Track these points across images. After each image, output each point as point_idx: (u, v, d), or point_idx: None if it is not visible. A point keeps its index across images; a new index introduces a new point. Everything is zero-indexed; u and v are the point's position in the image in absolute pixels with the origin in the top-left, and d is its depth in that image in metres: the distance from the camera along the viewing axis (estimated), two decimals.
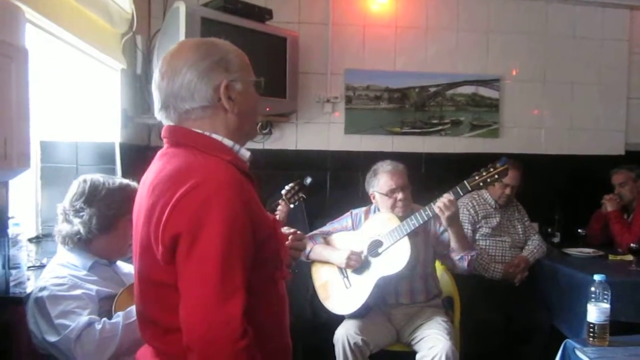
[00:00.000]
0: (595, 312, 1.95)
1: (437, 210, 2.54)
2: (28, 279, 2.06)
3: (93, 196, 1.83)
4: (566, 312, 3.06)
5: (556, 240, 3.73)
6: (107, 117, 3.09)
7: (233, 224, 1.16)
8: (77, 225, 1.83)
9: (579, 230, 3.71)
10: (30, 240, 2.74)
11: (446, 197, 2.54)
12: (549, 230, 3.75)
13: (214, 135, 1.30)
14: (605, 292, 1.98)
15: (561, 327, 3.07)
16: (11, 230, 1.94)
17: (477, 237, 3.40)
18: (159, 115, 1.34)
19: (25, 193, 2.92)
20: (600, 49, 4.12)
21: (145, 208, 1.25)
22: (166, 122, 1.34)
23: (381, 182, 2.82)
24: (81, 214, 1.82)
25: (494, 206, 3.45)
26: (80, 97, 3.05)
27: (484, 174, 2.56)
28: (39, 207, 2.96)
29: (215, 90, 1.28)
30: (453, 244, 2.68)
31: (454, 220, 2.59)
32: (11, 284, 1.92)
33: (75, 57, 2.77)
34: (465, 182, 2.57)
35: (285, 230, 1.78)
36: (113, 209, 1.85)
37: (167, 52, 1.34)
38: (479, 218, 3.41)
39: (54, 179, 2.96)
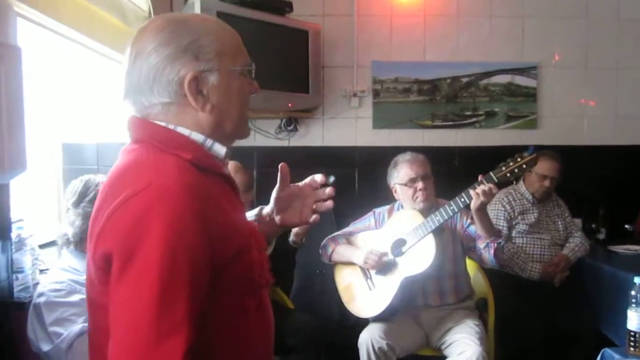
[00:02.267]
0: (636, 318, 1.76)
1: (473, 195, 2.39)
2: (37, 284, 2.02)
3: (82, 197, 1.77)
4: (612, 315, 2.83)
5: (601, 237, 3.50)
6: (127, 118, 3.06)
7: (177, 242, 0.92)
8: (66, 226, 1.77)
9: (626, 226, 3.47)
10: (50, 243, 2.74)
11: (489, 186, 2.38)
12: (594, 226, 3.52)
13: (180, 129, 1.08)
14: None
15: (608, 333, 2.85)
16: (15, 234, 1.90)
17: (513, 235, 3.20)
18: (123, 105, 1.12)
19: (47, 196, 2.93)
20: None
21: (92, 215, 1.06)
22: (131, 113, 1.13)
23: (401, 172, 2.71)
24: (69, 214, 1.77)
25: (531, 201, 3.23)
26: (100, 99, 3.05)
27: (511, 164, 2.39)
28: (61, 209, 2.95)
29: (180, 84, 1.04)
30: (479, 230, 2.52)
31: (483, 207, 2.45)
32: (17, 288, 1.89)
33: (95, 60, 2.76)
34: (491, 173, 2.41)
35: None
36: None
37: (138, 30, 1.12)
38: (515, 214, 3.21)
39: None
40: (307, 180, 1.36)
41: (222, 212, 1.04)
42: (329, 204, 1.32)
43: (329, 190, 1.34)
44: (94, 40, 2.41)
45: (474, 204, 2.41)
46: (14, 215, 1.91)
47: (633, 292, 1.81)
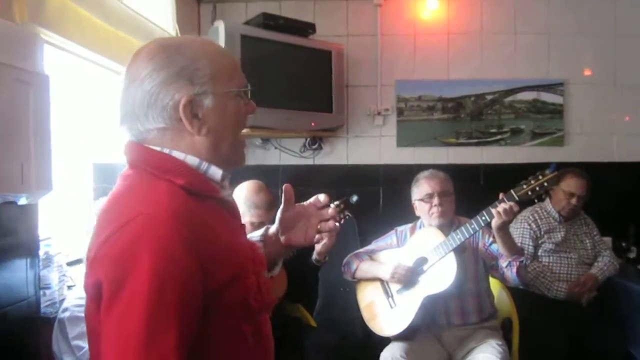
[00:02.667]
0: None
1: (494, 213, 2.38)
2: (64, 299, 2.10)
3: None
4: None
5: (632, 255, 3.41)
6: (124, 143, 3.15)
7: (166, 271, 0.91)
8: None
9: None
10: (81, 260, 2.83)
11: (510, 205, 2.36)
12: (623, 245, 3.44)
13: (175, 153, 1.06)
14: None
15: (638, 354, 2.78)
16: (43, 251, 1.98)
17: (539, 253, 3.15)
18: (119, 132, 1.12)
19: (78, 214, 3.03)
20: None
21: (89, 241, 1.05)
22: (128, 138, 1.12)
23: (420, 188, 2.73)
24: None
25: (558, 219, 3.19)
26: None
27: (532, 182, 2.37)
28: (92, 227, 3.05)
29: (175, 109, 1.03)
30: (501, 248, 2.50)
31: (505, 226, 2.43)
32: (44, 304, 1.96)
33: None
34: (512, 191, 2.39)
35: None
36: None
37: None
38: (542, 233, 3.16)
39: None
40: (312, 199, 1.34)
41: (215, 237, 1.02)
42: (331, 224, 1.30)
43: (331, 210, 1.32)
44: (122, 65, 2.50)
45: (495, 223, 2.40)
46: (42, 233, 1.99)
47: None
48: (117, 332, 0.90)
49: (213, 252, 0.99)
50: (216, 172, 1.10)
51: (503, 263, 2.53)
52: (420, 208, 2.74)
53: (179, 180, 1.03)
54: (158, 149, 1.07)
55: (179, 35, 3.06)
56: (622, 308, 2.97)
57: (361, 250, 2.91)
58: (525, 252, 3.03)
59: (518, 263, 2.49)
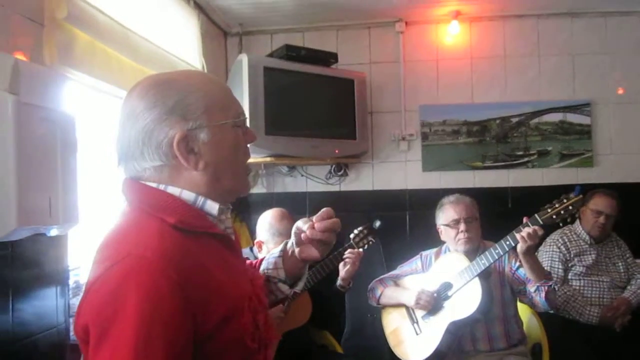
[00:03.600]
0: None
1: (519, 238, 2.36)
2: None
3: None
4: None
5: None
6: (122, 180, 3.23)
7: (153, 316, 0.88)
8: None
9: None
10: None
11: (533, 229, 2.35)
12: None
13: (170, 189, 1.05)
14: None
15: None
16: (73, 280, 2.06)
17: (569, 277, 3.09)
18: (118, 169, 1.11)
19: None
20: None
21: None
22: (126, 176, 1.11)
23: (445, 214, 2.72)
24: None
25: (588, 242, 3.12)
26: None
27: (557, 205, 2.35)
28: None
29: (170, 146, 1.02)
30: (528, 273, 2.47)
31: (531, 250, 2.40)
32: (73, 331, 2.03)
33: None
34: (536, 215, 2.38)
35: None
36: None
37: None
38: (572, 256, 3.11)
39: None
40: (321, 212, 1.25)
41: (207, 277, 0.99)
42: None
43: (318, 225, 1.20)
44: None
45: (520, 248, 2.38)
46: (72, 262, 2.07)
47: None
48: None
49: (205, 294, 0.96)
50: (212, 207, 1.08)
51: (531, 288, 2.50)
52: (446, 233, 2.73)
53: (170, 218, 1.01)
54: (154, 185, 1.06)
55: (205, 69, 3.17)
56: None
57: (386, 275, 2.91)
58: (555, 276, 2.98)
59: (547, 288, 2.45)
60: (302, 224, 1.21)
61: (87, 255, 2.52)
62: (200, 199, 1.07)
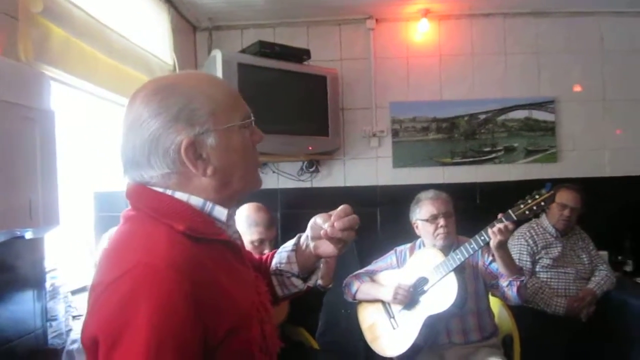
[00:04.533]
0: None
1: (490, 234, 2.42)
2: (70, 330, 2.12)
3: None
4: None
5: (628, 269, 3.46)
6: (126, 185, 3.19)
7: (164, 326, 0.87)
8: None
9: None
10: (83, 289, 2.84)
11: (505, 224, 2.41)
12: (620, 258, 3.49)
13: (177, 195, 1.03)
14: None
15: None
16: (49, 283, 2.00)
17: (537, 269, 3.19)
18: (124, 178, 1.08)
19: (80, 242, 3.06)
20: None
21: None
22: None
23: (423, 209, 2.75)
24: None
25: (554, 235, 3.23)
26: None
27: (529, 201, 2.42)
28: (93, 256, 3.07)
29: (177, 152, 1.00)
30: (501, 268, 2.53)
31: (503, 245, 2.46)
32: (51, 335, 1.98)
33: (122, 111, 2.90)
34: (510, 211, 2.44)
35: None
36: None
37: (129, 98, 1.07)
38: (539, 249, 3.21)
39: (108, 228, 3.07)
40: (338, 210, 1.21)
41: (217, 287, 0.98)
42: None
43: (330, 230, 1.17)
44: (122, 97, 2.54)
45: (492, 243, 2.43)
46: (48, 264, 2.01)
47: None
48: None
49: (214, 305, 0.95)
50: (221, 213, 1.06)
51: (504, 283, 2.56)
52: (423, 228, 2.76)
53: (179, 225, 0.99)
54: (160, 190, 1.04)
55: (176, 64, 3.12)
56: (621, 322, 3.00)
57: (361, 271, 2.93)
58: (524, 268, 3.07)
59: (519, 282, 2.52)
60: (321, 220, 1.18)
61: (61, 255, 2.46)
62: (209, 205, 1.05)
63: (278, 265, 1.29)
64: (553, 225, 3.23)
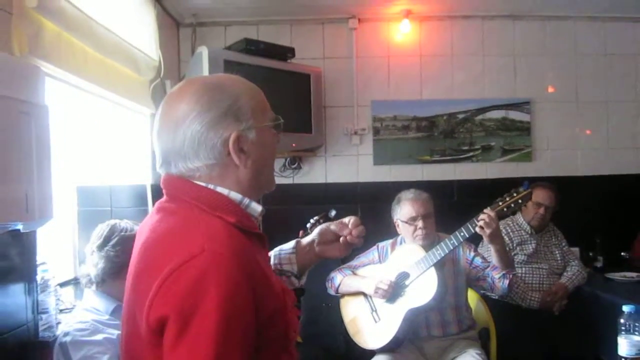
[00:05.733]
0: (626, 345, 1.85)
1: (478, 230, 2.51)
2: (59, 323, 2.13)
3: (106, 241, 1.90)
4: (611, 341, 2.89)
5: (599, 265, 3.59)
6: (138, 160, 3.20)
7: (233, 306, 0.96)
8: (90, 267, 1.90)
9: (622, 254, 3.57)
10: (67, 282, 2.85)
11: (487, 214, 2.50)
12: (591, 254, 3.62)
13: (219, 189, 1.12)
14: (637, 324, 1.88)
15: (607, 359, 2.92)
16: (40, 276, 2.02)
17: None
18: (160, 170, 1.17)
19: (63, 236, 3.05)
20: (634, 65, 4.00)
21: (133, 271, 1.10)
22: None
23: (404, 210, 2.81)
24: (93, 257, 1.89)
25: (529, 232, 3.35)
26: (112, 143, 3.19)
27: (507, 199, 2.51)
28: (76, 250, 3.08)
29: (224, 145, 1.10)
30: (496, 261, 2.62)
31: (496, 237, 2.55)
32: (41, 328, 1.99)
33: (107, 106, 2.91)
34: (488, 208, 2.53)
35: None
36: (120, 257, 1.89)
37: (169, 95, 1.17)
38: (514, 245, 3.32)
39: (91, 222, 3.06)
40: (346, 220, 1.42)
41: (262, 273, 1.07)
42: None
43: (342, 239, 1.39)
44: (110, 92, 2.56)
45: (485, 237, 2.53)
46: (38, 258, 2.03)
47: (622, 320, 1.90)
48: None
49: (262, 290, 1.04)
50: (256, 208, 1.17)
51: (496, 275, 2.64)
52: (403, 229, 2.83)
53: (230, 218, 1.09)
54: (203, 184, 1.12)
55: (161, 60, 3.12)
56: (591, 315, 3.12)
57: (344, 265, 2.99)
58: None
59: (511, 276, 2.61)
60: (336, 228, 1.39)
61: (47, 249, 2.47)
62: (246, 200, 1.15)
63: (280, 265, 1.39)
64: (528, 223, 3.35)
